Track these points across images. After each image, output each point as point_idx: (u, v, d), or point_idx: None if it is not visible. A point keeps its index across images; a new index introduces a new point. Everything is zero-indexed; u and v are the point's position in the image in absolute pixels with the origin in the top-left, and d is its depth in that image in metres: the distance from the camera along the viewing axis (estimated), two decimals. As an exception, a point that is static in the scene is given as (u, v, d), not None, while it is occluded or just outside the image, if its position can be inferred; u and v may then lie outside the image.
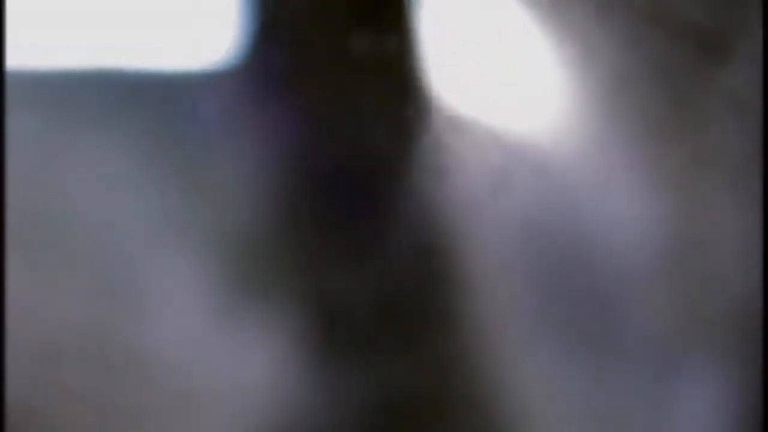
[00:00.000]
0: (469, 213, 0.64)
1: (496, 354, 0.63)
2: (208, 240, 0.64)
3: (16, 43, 0.40)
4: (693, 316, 0.75)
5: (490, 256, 0.65)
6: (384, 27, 0.63)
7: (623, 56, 0.79)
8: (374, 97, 0.63)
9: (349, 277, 0.61)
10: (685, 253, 0.90)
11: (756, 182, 0.58)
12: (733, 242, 0.57)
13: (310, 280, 0.63)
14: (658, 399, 0.53)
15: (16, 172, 0.48)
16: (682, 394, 0.59)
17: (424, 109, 0.64)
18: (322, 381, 0.62)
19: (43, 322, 0.51)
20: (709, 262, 0.72)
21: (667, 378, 0.76)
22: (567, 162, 0.87)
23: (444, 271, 0.62)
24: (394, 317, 0.60)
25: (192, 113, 0.62)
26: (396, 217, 0.61)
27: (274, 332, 0.65)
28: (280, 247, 0.64)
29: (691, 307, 0.87)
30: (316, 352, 0.63)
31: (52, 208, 0.51)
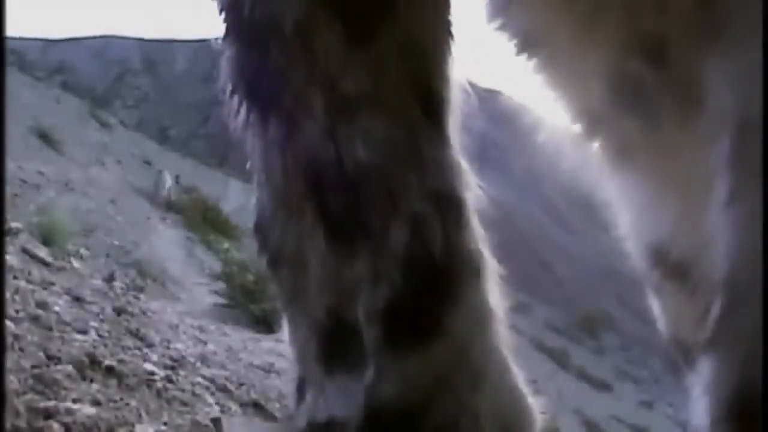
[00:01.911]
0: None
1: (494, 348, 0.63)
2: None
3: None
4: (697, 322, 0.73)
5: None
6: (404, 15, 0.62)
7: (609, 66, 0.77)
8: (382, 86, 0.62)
9: (354, 275, 0.60)
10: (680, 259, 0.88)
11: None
12: (732, 248, 0.57)
13: (311, 278, 0.62)
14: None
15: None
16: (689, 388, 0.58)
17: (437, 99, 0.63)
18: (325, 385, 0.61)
19: None
20: (705, 269, 0.71)
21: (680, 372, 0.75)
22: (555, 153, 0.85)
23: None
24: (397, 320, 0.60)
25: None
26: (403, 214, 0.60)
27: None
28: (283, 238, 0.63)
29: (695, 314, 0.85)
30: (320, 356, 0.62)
31: None
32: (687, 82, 0.74)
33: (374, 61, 0.61)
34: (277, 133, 0.62)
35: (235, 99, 0.65)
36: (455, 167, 0.64)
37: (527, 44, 0.85)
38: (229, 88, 0.66)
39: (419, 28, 0.63)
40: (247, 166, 0.67)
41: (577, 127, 0.92)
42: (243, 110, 0.65)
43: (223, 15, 0.66)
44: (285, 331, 0.66)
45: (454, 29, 0.66)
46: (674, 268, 1.03)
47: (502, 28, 0.85)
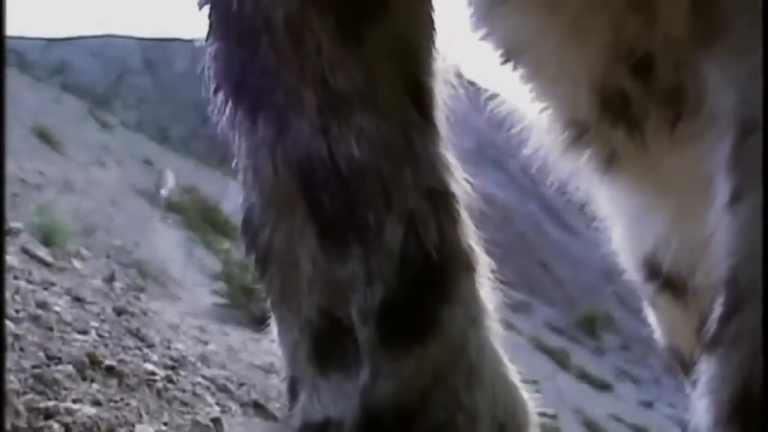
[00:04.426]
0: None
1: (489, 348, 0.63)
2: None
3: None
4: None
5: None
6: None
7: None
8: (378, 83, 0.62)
9: (348, 274, 0.60)
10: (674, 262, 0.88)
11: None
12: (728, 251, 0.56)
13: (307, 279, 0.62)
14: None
15: None
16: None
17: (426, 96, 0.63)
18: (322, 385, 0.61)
19: None
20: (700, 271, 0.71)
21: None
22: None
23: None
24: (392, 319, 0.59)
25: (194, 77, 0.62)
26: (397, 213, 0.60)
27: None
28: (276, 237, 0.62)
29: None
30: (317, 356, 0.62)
31: None
32: (674, 91, 0.74)
33: (366, 57, 0.60)
34: (266, 132, 0.61)
35: (220, 96, 0.64)
36: (447, 162, 0.64)
37: (512, 54, 0.84)
38: (214, 85, 0.65)
39: (408, 23, 0.63)
40: (233, 164, 0.66)
41: (566, 137, 0.91)
42: (229, 108, 0.64)
43: (208, 11, 0.66)
44: (274, 331, 0.66)
45: (437, 23, 0.66)
46: (668, 280, 1.03)
47: (487, 37, 0.84)
